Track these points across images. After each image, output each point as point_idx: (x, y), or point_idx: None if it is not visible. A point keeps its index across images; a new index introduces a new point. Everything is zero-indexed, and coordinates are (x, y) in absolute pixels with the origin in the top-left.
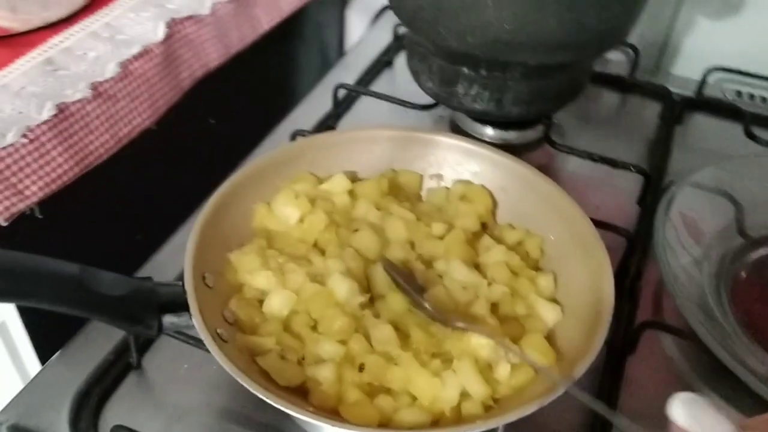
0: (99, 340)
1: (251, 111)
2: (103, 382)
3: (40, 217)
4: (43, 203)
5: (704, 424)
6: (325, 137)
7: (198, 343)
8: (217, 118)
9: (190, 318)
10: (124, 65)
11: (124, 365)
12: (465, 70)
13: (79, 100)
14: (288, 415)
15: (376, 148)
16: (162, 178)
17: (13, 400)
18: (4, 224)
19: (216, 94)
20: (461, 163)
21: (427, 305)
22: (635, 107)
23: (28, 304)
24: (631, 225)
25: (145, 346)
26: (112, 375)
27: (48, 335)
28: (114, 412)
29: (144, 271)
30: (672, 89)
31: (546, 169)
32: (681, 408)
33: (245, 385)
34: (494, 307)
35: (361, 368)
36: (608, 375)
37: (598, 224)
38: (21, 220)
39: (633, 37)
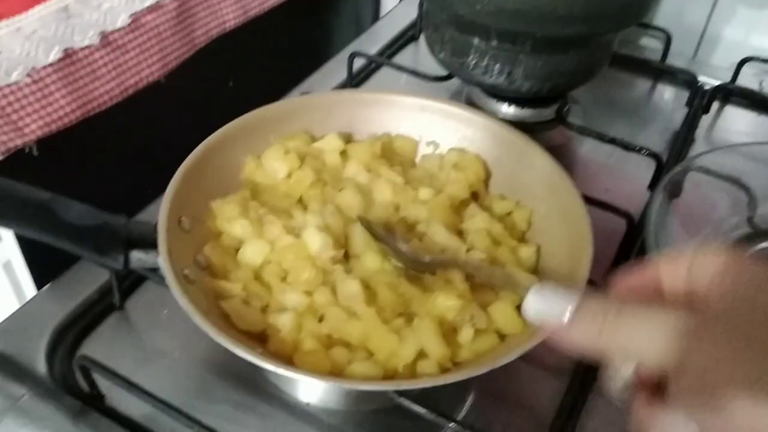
0: (87, 279)
1: (275, 77)
2: (84, 318)
3: (36, 155)
4: (44, 143)
5: (545, 308)
6: (322, 97)
7: None
8: (238, 81)
9: (158, 256)
10: (136, 17)
11: (106, 305)
12: (476, 40)
13: (87, 47)
14: (260, 367)
15: (374, 112)
16: (174, 134)
17: None
18: (0, 158)
19: (239, 57)
20: (458, 130)
21: (402, 247)
22: (663, 94)
23: None
24: (640, 211)
25: (130, 288)
26: (94, 313)
27: (51, 275)
28: (91, 349)
29: (143, 216)
30: (703, 78)
31: (559, 150)
32: (528, 301)
33: (196, 321)
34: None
35: (321, 319)
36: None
37: (598, 204)
38: (19, 158)
39: (668, 22)
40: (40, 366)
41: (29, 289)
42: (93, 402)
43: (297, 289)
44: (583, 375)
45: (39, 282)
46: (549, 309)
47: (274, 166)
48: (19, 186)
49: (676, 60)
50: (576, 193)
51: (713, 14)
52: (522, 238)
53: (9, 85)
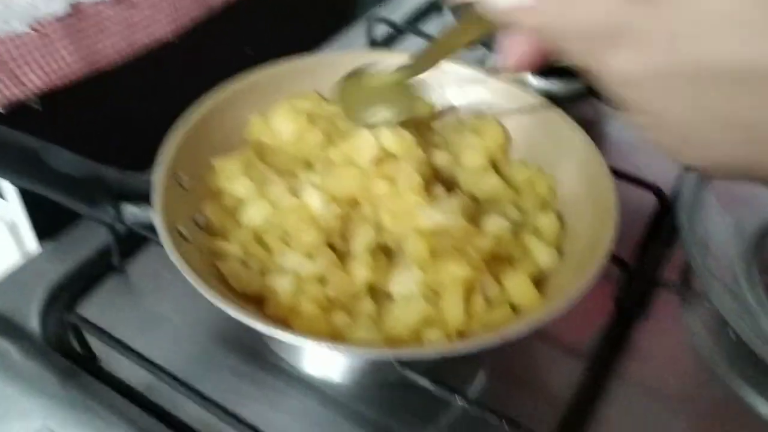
0: (88, 238)
1: (295, 44)
2: (82, 279)
3: (38, 109)
4: (48, 99)
5: None
6: (335, 56)
7: None
8: (255, 47)
9: (151, 211)
10: None
11: (106, 265)
12: None
13: (97, 1)
14: (263, 335)
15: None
16: (185, 98)
17: None
18: (1, 111)
19: (258, 21)
20: (477, 94)
21: None
22: None
23: None
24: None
25: (131, 249)
26: (92, 273)
27: (55, 235)
28: (87, 310)
29: None
30: None
31: (589, 126)
32: None
33: (188, 278)
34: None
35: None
36: (611, 335)
37: (627, 177)
38: (21, 113)
39: None
40: (33, 324)
41: (33, 250)
42: (85, 364)
43: (298, 252)
44: (605, 358)
45: (43, 242)
46: None
47: (281, 126)
48: (7, 131)
49: None
50: (602, 162)
51: None
52: (544, 206)
53: (10, 36)
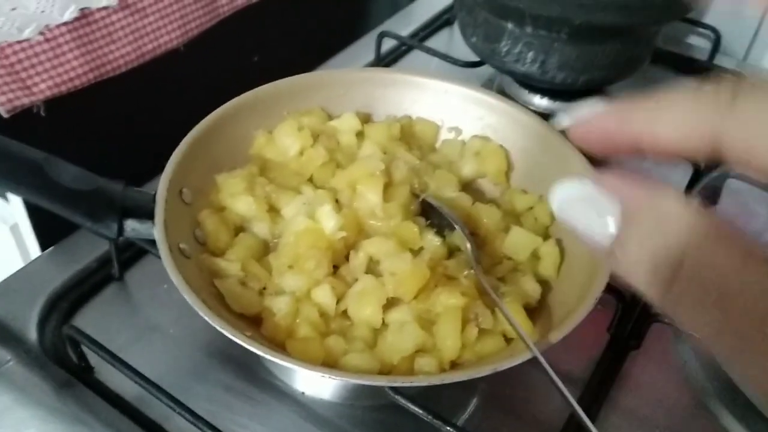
0: (88, 247)
1: (302, 55)
2: (81, 287)
3: (43, 115)
4: (53, 105)
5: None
6: (341, 73)
7: None
8: (263, 57)
9: (153, 227)
10: None
11: (105, 275)
12: (509, 25)
13: (105, 8)
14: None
15: (394, 92)
16: (191, 107)
17: None
18: (6, 116)
19: (266, 31)
20: (482, 118)
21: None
22: None
23: None
24: None
25: (130, 260)
26: (91, 282)
27: (58, 239)
28: (85, 319)
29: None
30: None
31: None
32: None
33: (186, 297)
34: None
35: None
36: (604, 365)
37: None
38: (26, 118)
39: (717, 20)
40: (31, 333)
41: (35, 253)
42: (81, 375)
43: (297, 273)
44: (597, 386)
45: (45, 246)
46: (584, 213)
47: (285, 142)
48: (12, 143)
49: (724, 61)
50: None
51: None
52: (546, 234)
53: (20, 42)
